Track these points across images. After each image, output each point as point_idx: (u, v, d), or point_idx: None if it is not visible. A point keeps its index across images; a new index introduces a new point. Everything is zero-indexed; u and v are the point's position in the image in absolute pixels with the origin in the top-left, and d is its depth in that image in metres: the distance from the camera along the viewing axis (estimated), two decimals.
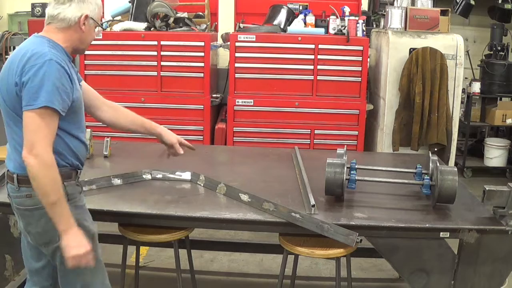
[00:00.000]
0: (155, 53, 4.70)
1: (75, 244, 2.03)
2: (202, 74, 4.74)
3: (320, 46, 4.66)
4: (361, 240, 2.40)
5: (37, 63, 1.99)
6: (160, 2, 4.79)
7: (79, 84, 2.24)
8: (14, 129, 2.10)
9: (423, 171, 2.87)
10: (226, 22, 5.38)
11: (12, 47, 5.54)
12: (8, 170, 2.17)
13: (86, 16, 2.13)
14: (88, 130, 3.36)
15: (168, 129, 5.10)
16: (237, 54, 4.71)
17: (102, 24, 2.18)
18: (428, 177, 2.73)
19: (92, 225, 2.26)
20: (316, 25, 4.90)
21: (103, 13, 2.26)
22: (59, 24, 2.12)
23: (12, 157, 2.14)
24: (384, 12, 5.13)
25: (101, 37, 4.68)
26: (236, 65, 4.73)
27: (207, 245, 3.85)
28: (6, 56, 5.40)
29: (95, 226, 2.29)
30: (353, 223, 2.45)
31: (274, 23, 4.91)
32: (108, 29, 4.91)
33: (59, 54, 2.08)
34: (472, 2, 5.89)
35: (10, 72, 2.06)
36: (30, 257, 2.32)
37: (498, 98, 6.30)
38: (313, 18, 4.90)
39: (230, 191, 2.73)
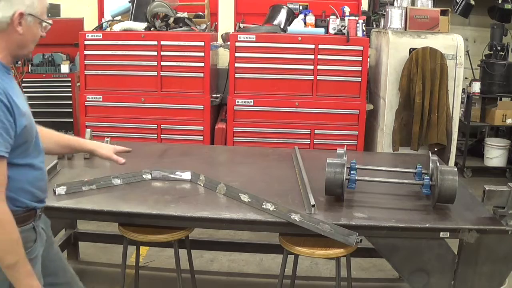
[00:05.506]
0: (155, 53, 4.70)
1: None
2: (202, 74, 4.74)
3: (320, 46, 4.66)
4: (361, 240, 2.40)
5: None
6: (160, 2, 4.79)
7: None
8: None
9: (423, 171, 2.87)
10: (226, 22, 5.38)
11: None
12: None
13: (21, 14, 1.71)
14: (88, 130, 3.36)
15: (168, 129, 5.05)
16: (237, 54, 4.71)
17: (48, 20, 1.81)
18: (428, 177, 2.73)
19: (38, 280, 1.85)
20: (316, 25, 4.90)
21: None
22: None
23: None
24: (384, 12, 5.13)
25: (102, 38, 4.69)
26: (236, 65, 4.73)
27: (207, 245, 3.85)
28: None
29: (41, 280, 1.89)
30: (353, 223, 2.45)
31: (274, 23, 4.91)
32: (108, 29, 4.91)
33: None
34: (472, 2, 5.88)
35: None
36: None
37: (498, 98, 6.30)
38: (313, 18, 4.90)
39: (230, 191, 2.73)
